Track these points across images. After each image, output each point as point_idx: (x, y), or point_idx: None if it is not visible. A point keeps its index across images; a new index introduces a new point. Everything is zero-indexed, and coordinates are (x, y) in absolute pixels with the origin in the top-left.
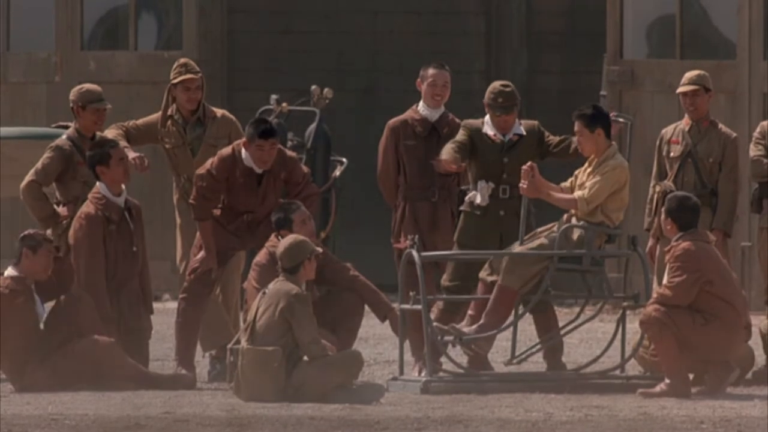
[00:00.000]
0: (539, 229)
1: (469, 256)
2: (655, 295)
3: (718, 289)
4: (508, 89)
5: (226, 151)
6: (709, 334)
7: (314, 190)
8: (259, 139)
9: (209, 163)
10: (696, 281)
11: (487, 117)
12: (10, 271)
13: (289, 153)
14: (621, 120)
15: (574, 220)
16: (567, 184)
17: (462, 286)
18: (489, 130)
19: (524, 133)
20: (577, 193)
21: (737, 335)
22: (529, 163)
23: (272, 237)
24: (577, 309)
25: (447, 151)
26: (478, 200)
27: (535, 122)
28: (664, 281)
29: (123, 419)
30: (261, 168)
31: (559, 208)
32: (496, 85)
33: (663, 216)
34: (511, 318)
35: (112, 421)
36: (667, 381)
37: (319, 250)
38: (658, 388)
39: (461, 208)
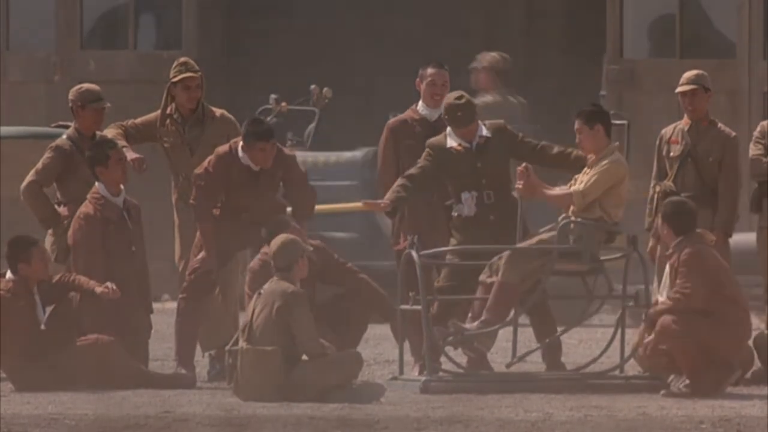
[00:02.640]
0: (540, 230)
1: (469, 257)
2: (668, 302)
3: (726, 289)
4: (463, 101)
5: (223, 149)
6: (724, 335)
7: (312, 190)
8: (260, 142)
9: (207, 161)
10: (707, 284)
11: (449, 128)
12: (11, 275)
13: (287, 151)
14: (619, 120)
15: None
16: (565, 186)
17: (455, 288)
18: (453, 141)
19: (489, 134)
20: (573, 188)
21: (746, 334)
22: (524, 164)
23: (265, 245)
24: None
25: (392, 190)
26: (466, 212)
27: (501, 121)
28: (677, 288)
29: (123, 419)
30: (260, 166)
31: (556, 209)
32: (451, 99)
33: (660, 221)
34: (511, 316)
35: (112, 421)
36: (690, 381)
37: (310, 248)
38: (676, 389)
39: (450, 225)
